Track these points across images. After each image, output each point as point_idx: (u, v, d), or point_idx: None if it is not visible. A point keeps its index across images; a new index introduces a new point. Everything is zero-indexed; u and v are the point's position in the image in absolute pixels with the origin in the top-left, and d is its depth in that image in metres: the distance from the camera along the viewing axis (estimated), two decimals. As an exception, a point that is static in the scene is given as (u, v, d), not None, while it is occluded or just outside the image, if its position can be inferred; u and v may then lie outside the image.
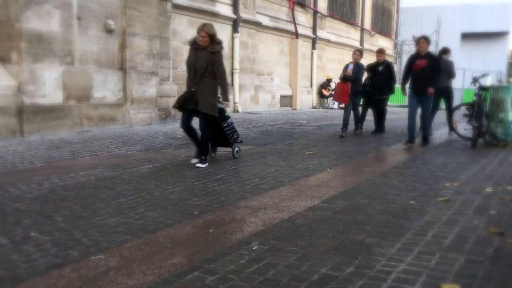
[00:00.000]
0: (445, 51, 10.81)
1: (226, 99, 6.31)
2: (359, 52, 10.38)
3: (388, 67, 10.43)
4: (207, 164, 6.24)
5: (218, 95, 6.34)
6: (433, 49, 30.34)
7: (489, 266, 2.96)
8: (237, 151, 6.89)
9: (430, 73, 8.09)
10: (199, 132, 6.36)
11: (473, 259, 3.06)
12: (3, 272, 2.82)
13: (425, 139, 8.53)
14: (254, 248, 3.22)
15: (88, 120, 9.86)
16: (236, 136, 6.79)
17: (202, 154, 6.32)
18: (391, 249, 3.23)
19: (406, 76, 8.64)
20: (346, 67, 10.28)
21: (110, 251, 3.16)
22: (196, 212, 4.11)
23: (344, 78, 9.97)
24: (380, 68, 10.39)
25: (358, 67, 10.07)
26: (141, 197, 4.60)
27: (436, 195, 4.79)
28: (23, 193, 4.69)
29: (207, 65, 6.04)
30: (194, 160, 6.34)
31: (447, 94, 10.29)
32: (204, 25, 6.21)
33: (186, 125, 6.33)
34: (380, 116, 10.74)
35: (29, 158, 6.64)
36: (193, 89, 6.09)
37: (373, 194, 4.82)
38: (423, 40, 8.32)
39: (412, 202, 4.50)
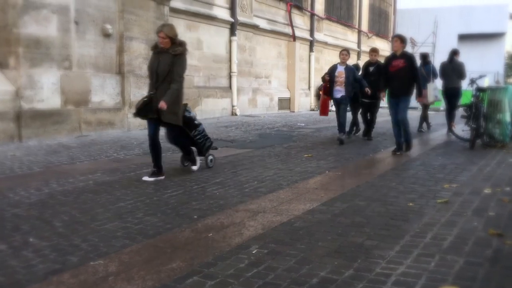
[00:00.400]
0: (455, 52, 11.01)
1: (163, 102, 5.46)
2: (346, 52, 9.45)
3: (380, 68, 9.39)
4: (198, 166, 6.18)
5: (186, 102, 6.04)
6: (430, 50, 30.52)
7: (488, 267, 2.97)
8: (211, 159, 6.47)
9: (407, 74, 7.54)
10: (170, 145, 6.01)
11: (472, 260, 3.07)
12: (2, 278, 2.82)
13: (408, 144, 7.84)
14: (253, 252, 3.22)
15: (86, 124, 9.85)
16: (209, 143, 6.39)
17: (188, 154, 6.17)
18: (390, 251, 3.23)
19: (384, 78, 8.06)
20: (333, 68, 9.37)
21: (109, 256, 3.16)
22: (195, 216, 4.10)
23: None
24: (371, 69, 9.73)
25: (349, 70, 9.20)
26: (140, 202, 4.60)
27: (434, 196, 4.80)
28: (21, 199, 4.68)
29: (169, 69, 5.58)
30: (147, 178, 5.65)
31: (457, 94, 10.47)
32: (163, 26, 5.76)
33: (152, 138, 5.82)
34: (369, 121, 10.10)
35: (27, 163, 6.63)
36: (151, 93, 5.63)
37: (372, 196, 4.82)
38: (396, 39, 7.80)
39: (411, 204, 4.50)
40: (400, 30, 32.16)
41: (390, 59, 7.90)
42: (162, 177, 5.68)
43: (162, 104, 5.46)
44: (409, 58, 7.69)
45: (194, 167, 6.17)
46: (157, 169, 5.73)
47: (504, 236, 3.53)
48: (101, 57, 10.26)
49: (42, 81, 8.96)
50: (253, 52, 16.90)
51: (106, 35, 10.26)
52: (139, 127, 11.02)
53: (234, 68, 15.59)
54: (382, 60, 9.44)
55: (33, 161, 6.80)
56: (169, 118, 5.68)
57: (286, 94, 19.33)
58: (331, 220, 3.98)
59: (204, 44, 14.39)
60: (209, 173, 6.02)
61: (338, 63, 9.40)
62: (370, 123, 10.10)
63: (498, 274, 2.89)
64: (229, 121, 13.50)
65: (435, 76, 11.52)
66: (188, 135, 6.11)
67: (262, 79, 17.86)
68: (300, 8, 20.24)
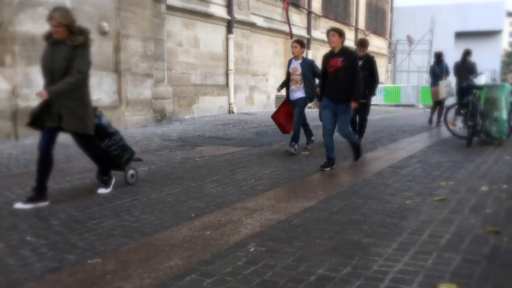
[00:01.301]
0: (468, 53, 11.53)
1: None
2: (297, 43, 7.77)
3: (369, 62, 8.12)
4: (109, 189, 4.93)
5: (96, 106, 5.04)
6: (427, 48, 30.61)
7: (486, 265, 2.98)
8: (132, 174, 5.24)
9: (347, 75, 6.19)
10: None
11: (470, 258, 3.07)
12: (0, 277, 2.81)
13: (357, 152, 6.69)
14: (251, 250, 3.22)
15: (83, 122, 9.82)
16: (129, 155, 5.23)
17: (104, 174, 5.02)
18: (387, 249, 3.23)
19: (322, 81, 6.71)
20: (288, 64, 8.00)
21: (106, 255, 3.16)
22: (193, 214, 4.10)
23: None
24: (360, 63, 8.05)
25: (306, 65, 7.70)
26: (137, 200, 4.59)
27: (431, 194, 4.80)
28: (18, 197, 4.66)
29: (66, 64, 4.33)
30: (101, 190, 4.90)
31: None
32: (54, 10, 4.36)
33: (45, 150, 4.63)
34: (360, 125, 8.53)
35: (24, 162, 6.61)
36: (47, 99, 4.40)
37: (369, 194, 4.83)
38: (332, 33, 6.28)
39: (408, 201, 4.51)
40: (397, 28, 32.27)
41: (327, 57, 6.45)
42: (45, 203, 4.38)
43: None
44: (350, 56, 6.30)
45: (103, 190, 4.88)
46: (38, 192, 4.42)
47: (501, 234, 3.54)
48: (97, 55, 10.22)
49: (39, 79, 8.86)
50: (250, 50, 16.88)
51: (103, 33, 10.23)
52: (135, 125, 11.01)
53: (231, 66, 15.57)
54: (369, 54, 8.36)
55: (30, 160, 6.77)
56: (72, 125, 4.53)
57: (283, 92, 19.31)
58: (329, 218, 3.99)
59: (201, 42, 14.37)
60: (206, 171, 6.02)
61: (293, 57, 7.89)
62: (361, 127, 8.52)
63: (495, 271, 2.90)
64: (226, 119, 13.49)
65: (447, 74, 12.20)
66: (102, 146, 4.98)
67: (259, 77, 17.85)
68: (297, 6, 20.23)
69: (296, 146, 7.55)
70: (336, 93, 6.25)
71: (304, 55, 8.05)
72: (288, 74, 7.88)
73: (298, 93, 7.70)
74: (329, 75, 6.35)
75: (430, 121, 12.37)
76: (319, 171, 6.10)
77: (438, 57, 12.45)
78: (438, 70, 12.22)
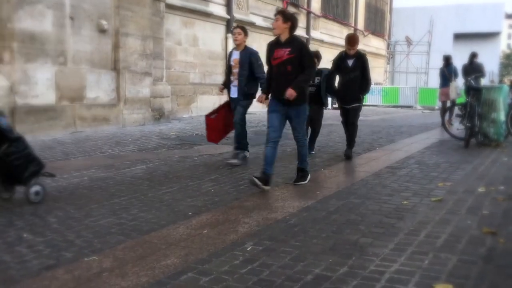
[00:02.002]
0: (475, 55, 12.44)
1: None
2: (240, 29, 6.44)
3: (361, 61, 6.94)
4: None
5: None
6: (425, 49, 30.64)
7: (482, 266, 2.98)
8: (37, 192, 4.35)
9: (295, 70, 5.01)
10: None
11: (466, 259, 3.08)
12: (-4, 274, 2.81)
13: (303, 173, 5.41)
14: (248, 249, 3.23)
15: (81, 120, 9.82)
16: (36, 168, 4.40)
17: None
18: (384, 249, 3.24)
19: (268, 76, 5.57)
20: (229, 56, 6.77)
21: (103, 252, 3.15)
22: (190, 213, 4.10)
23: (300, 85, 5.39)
24: (350, 63, 6.94)
25: (245, 56, 6.36)
26: (134, 198, 4.59)
27: (429, 195, 4.81)
28: (15, 194, 4.65)
29: None
30: None
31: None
32: None
33: None
34: (351, 134, 7.22)
35: (21, 159, 6.59)
36: None
37: (367, 194, 4.84)
38: (278, 17, 5.06)
39: (405, 202, 4.52)
40: (396, 29, 32.32)
41: (272, 46, 5.25)
42: None
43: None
44: (298, 45, 5.07)
45: None
46: None
47: (498, 235, 3.55)
48: (96, 53, 10.22)
49: (37, 77, 8.92)
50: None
51: (102, 31, 10.22)
52: (134, 124, 11.00)
53: (230, 65, 15.56)
54: (360, 51, 7.14)
55: (28, 157, 6.76)
56: None
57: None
58: (326, 218, 3.99)
59: (200, 41, 14.36)
60: (204, 170, 6.02)
61: (234, 48, 6.71)
62: (351, 135, 7.21)
63: (492, 272, 2.90)
64: (224, 118, 13.47)
65: (456, 75, 12.86)
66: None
67: (257, 76, 17.84)
68: (296, 5, 20.23)
69: (244, 154, 6.49)
70: (279, 91, 5.06)
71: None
72: (229, 68, 6.61)
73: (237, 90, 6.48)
74: (274, 69, 5.19)
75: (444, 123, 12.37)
76: (254, 184, 4.89)
77: (447, 60, 13.16)
78: (447, 72, 12.93)
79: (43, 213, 4.06)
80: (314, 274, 2.83)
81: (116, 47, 10.62)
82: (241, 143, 6.55)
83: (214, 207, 4.29)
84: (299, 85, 4.96)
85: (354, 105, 7.06)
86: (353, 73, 6.94)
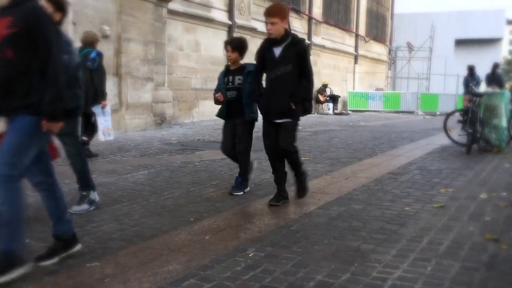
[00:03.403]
0: (497, 66, 13.95)
1: None
2: (229, 47, 5.03)
3: (295, 49, 4.46)
4: None
5: None
6: (427, 55, 30.67)
7: (485, 272, 2.98)
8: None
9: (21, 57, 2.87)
10: None
11: (469, 265, 3.07)
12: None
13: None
14: (250, 255, 3.22)
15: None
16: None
17: None
18: (386, 255, 3.23)
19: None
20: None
21: (105, 258, 3.15)
22: (192, 219, 4.10)
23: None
24: (277, 53, 4.46)
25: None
26: (136, 204, 4.59)
27: (431, 201, 4.80)
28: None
29: None
30: None
31: None
32: None
33: None
34: (279, 176, 4.77)
35: (23, 164, 6.59)
36: None
37: (368, 200, 4.83)
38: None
39: (407, 208, 4.51)
40: (397, 34, 32.35)
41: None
42: None
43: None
44: (26, 14, 2.83)
45: None
46: None
47: (500, 241, 3.54)
48: (98, 58, 10.24)
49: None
50: (250, 55, 16.91)
51: (104, 36, 10.25)
52: (135, 129, 11.01)
53: (232, 70, 15.59)
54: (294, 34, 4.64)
55: (29, 162, 6.77)
56: None
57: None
58: (328, 224, 3.98)
59: (201, 46, 14.39)
60: (205, 176, 6.02)
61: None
62: (279, 177, 4.78)
63: (494, 279, 2.90)
64: (226, 123, 13.50)
65: (478, 84, 13.70)
66: None
67: (259, 82, 17.87)
68: (298, 11, 20.29)
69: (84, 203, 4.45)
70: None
71: None
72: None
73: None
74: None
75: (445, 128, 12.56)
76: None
77: (471, 69, 14.26)
78: (471, 81, 13.75)
79: (44, 218, 4.05)
80: (316, 280, 2.82)
81: (118, 52, 10.66)
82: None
83: (216, 213, 4.29)
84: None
85: (285, 120, 4.49)
86: (282, 67, 4.42)
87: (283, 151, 4.63)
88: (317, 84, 21.93)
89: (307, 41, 21.01)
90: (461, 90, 16.24)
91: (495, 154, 8.28)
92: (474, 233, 3.77)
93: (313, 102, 21.72)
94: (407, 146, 9.47)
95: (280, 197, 4.64)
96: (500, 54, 36.24)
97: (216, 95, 5.06)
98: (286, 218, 4.14)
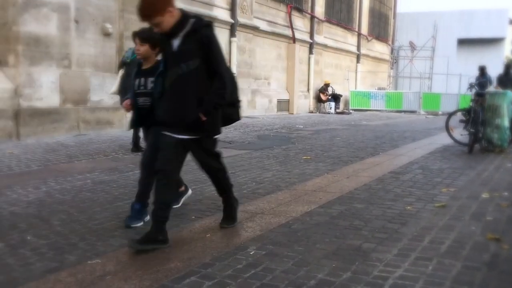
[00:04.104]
0: (510, 66, 13.97)
1: None
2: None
3: (199, 38, 3.34)
4: None
5: None
6: (429, 55, 30.65)
7: (486, 272, 2.97)
8: None
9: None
10: None
11: (470, 265, 3.07)
12: (1, 277, 2.81)
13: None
14: (251, 253, 3.22)
15: (85, 123, 9.85)
16: None
17: None
18: (388, 254, 3.23)
19: None
20: None
21: (107, 256, 3.16)
22: (193, 217, 4.10)
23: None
24: (175, 45, 3.36)
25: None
26: (138, 201, 4.58)
27: (432, 200, 4.80)
28: (19, 197, 4.67)
29: None
30: None
31: None
32: None
33: None
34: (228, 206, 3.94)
35: (25, 161, 6.62)
36: None
37: (370, 199, 4.83)
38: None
39: (408, 207, 4.50)
40: (399, 34, 32.34)
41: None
42: None
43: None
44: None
45: None
46: None
47: (502, 241, 3.54)
48: (100, 56, 10.25)
49: (41, 80, 8.96)
50: (252, 53, 16.91)
51: (106, 34, 10.26)
52: (137, 127, 11.02)
53: (234, 69, 15.58)
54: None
55: (31, 159, 6.79)
56: None
57: (285, 96, 19.35)
58: (329, 223, 3.98)
59: (204, 45, 14.38)
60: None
61: None
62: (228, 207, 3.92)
63: (496, 278, 2.89)
64: (227, 122, 13.48)
65: (490, 83, 14.09)
66: None
67: (261, 80, 17.87)
68: (300, 10, 20.28)
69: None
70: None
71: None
72: None
73: None
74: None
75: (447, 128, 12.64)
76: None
77: (482, 70, 14.63)
78: (483, 81, 14.20)
79: (46, 215, 4.07)
80: (317, 279, 2.82)
81: (120, 50, 10.65)
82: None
83: (217, 211, 4.29)
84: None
85: (191, 137, 3.42)
86: (182, 64, 3.34)
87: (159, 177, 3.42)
88: (318, 83, 21.94)
89: (309, 40, 20.97)
90: (463, 89, 16.24)
91: (497, 154, 8.27)
92: (475, 232, 3.76)
93: (314, 101, 21.82)
94: (409, 146, 9.47)
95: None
96: (503, 53, 36.15)
97: (123, 103, 4.09)
98: (287, 217, 4.13)
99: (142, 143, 6.85)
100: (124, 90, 7.35)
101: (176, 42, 3.34)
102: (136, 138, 7.54)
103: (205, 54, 3.31)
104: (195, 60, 3.31)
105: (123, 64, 7.52)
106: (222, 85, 3.37)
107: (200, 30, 3.34)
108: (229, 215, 3.86)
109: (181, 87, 3.35)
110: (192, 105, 3.32)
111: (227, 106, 3.55)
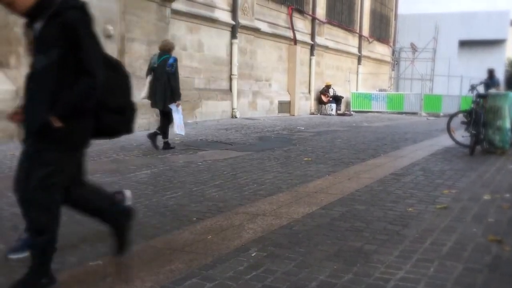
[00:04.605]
0: None
1: None
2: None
3: (60, 23, 2.52)
4: None
5: None
6: (430, 56, 30.63)
7: (488, 274, 2.97)
8: None
9: None
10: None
11: (472, 267, 3.06)
12: (1, 278, 2.82)
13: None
14: (252, 255, 3.22)
15: (86, 125, 9.85)
16: None
17: None
18: (389, 256, 3.23)
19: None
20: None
21: (108, 257, 3.15)
22: (194, 218, 4.10)
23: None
24: (37, 31, 2.61)
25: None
26: (139, 203, 4.59)
27: (434, 202, 4.79)
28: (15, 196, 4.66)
29: None
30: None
31: None
32: None
33: None
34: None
35: (26, 163, 6.61)
36: None
37: (371, 201, 4.82)
38: None
39: (410, 209, 4.50)
40: (401, 35, 32.36)
41: None
42: None
43: None
44: None
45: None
46: None
47: (503, 243, 3.53)
48: (102, 57, 10.27)
49: (43, 81, 8.96)
50: (253, 55, 16.92)
51: (108, 36, 10.27)
52: (138, 129, 11.02)
53: (235, 70, 15.61)
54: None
55: (33, 161, 6.79)
56: None
57: (286, 98, 19.36)
58: (330, 224, 3.98)
59: (205, 47, 14.41)
60: (208, 176, 6.02)
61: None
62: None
63: (497, 280, 2.89)
64: (229, 123, 13.51)
65: (498, 85, 14.33)
66: None
67: (262, 82, 17.88)
68: (301, 12, 20.29)
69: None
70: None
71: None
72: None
73: None
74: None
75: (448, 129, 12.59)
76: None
77: (491, 72, 15.00)
78: (491, 84, 14.22)
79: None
80: (318, 280, 2.82)
81: (121, 52, 10.67)
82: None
83: (218, 213, 4.29)
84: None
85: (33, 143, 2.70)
86: (38, 56, 2.61)
87: (19, 199, 2.92)
88: (319, 85, 21.94)
89: (310, 42, 20.97)
90: (464, 91, 16.20)
91: (498, 156, 8.26)
92: (477, 234, 3.76)
93: (315, 102, 21.81)
94: (410, 147, 9.46)
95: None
96: (504, 55, 36.11)
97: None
98: (288, 218, 4.13)
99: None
100: (153, 94, 8.14)
101: (38, 26, 2.58)
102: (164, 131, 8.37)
103: (71, 44, 2.52)
104: (53, 50, 2.52)
105: (151, 69, 8.13)
106: (90, 83, 2.56)
107: (65, 12, 2.52)
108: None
109: (34, 84, 2.60)
110: (43, 106, 2.53)
111: (112, 113, 2.82)
